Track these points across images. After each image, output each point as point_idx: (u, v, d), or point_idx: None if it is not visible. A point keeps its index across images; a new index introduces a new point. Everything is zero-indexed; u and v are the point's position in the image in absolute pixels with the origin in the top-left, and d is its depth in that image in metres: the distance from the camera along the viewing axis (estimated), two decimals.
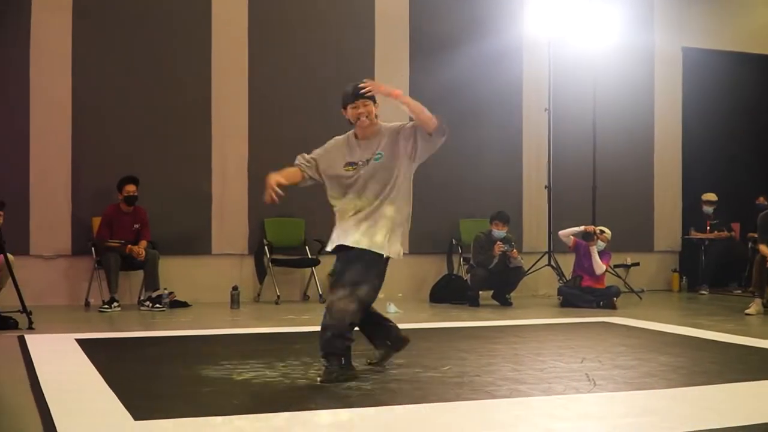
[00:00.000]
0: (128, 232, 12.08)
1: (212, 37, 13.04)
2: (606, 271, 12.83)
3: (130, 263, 12.02)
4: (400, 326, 9.19)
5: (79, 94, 12.45)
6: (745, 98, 16.34)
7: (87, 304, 12.13)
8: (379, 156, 6.83)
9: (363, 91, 6.80)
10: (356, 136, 7.03)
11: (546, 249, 14.12)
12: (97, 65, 12.55)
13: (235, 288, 12.26)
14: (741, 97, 16.27)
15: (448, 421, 5.51)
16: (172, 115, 12.83)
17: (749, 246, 14.40)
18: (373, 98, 6.87)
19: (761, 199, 14.86)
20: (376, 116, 6.92)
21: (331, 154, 7.06)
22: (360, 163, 6.87)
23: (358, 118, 6.87)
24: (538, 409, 5.83)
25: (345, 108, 6.98)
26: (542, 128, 14.29)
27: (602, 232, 12.83)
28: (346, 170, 6.90)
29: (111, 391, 6.16)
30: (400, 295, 13.48)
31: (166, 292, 12.01)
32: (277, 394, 6.21)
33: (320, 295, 13.00)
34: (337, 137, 7.18)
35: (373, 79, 13.45)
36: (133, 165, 12.33)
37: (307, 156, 7.05)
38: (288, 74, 13.38)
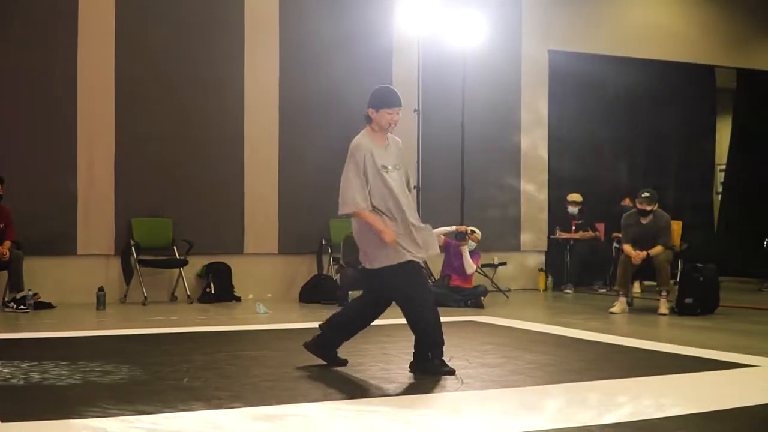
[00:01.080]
0: None
1: (78, 33, 12.80)
2: (475, 270, 12.94)
3: None
4: (269, 327, 9.17)
5: None
6: (609, 100, 16.69)
7: None
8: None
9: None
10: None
11: None
12: None
13: (101, 289, 12.07)
14: (606, 99, 16.62)
15: (316, 421, 5.50)
16: (36, 113, 12.58)
17: (614, 246, 14.68)
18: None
19: (627, 201, 15.14)
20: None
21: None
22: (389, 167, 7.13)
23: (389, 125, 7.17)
24: (407, 408, 5.85)
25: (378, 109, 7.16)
26: (411, 129, 14.32)
27: (473, 232, 12.92)
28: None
29: None
30: (269, 295, 13.47)
31: (31, 293, 11.76)
32: (144, 395, 6.12)
33: (188, 296, 12.88)
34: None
35: (243, 79, 13.52)
36: None
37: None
38: (155, 72, 13.22)
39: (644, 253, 11.73)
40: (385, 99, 7.15)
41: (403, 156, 7.23)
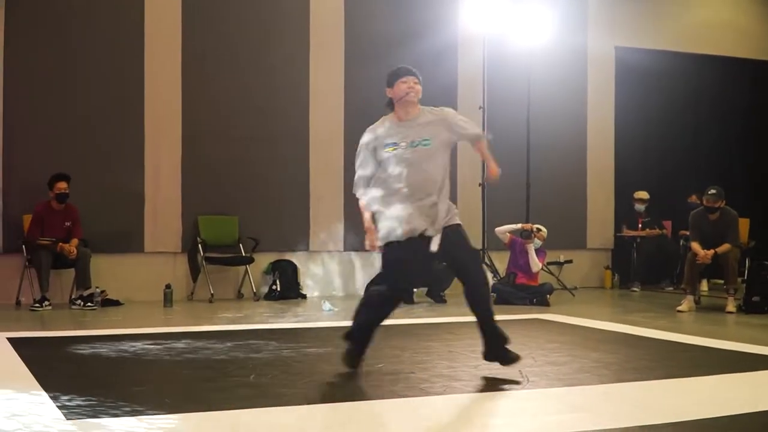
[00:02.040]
0: (59, 230, 11.94)
1: (145, 34, 12.90)
2: (541, 268, 12.89)
3: (61, 261, 11.87)
4: (335, 324, 9.19)
5: (10, 90, 12.24)
6: (676, 97, 16.50)
7: (18, 302, 11.96)
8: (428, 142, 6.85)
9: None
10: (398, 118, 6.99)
11: (480, 246, 14.16)
12: (28, 61, 12.37)
13: (168, 286, 12.16)
14: (673, 96, 16.43)
15: (382, 418, 5.52)
16: (103, 111, 12.67)
17: (681, 244, 14.55)
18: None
19: (693, 198, 14.95)
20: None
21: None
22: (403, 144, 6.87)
23: (407, 93, 6.82)
24: (472, 406, 5.85)
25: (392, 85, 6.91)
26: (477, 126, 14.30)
27: (539, 230, 12.87)
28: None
29: (43, 390, 6.09)
30: (334, 292, 13.49)
31: (98, 290, 11.88)
32: (210, 392, 6.17)
33: (254, 293, 12.95)
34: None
35: (308, 78, 13.56)
36: (64, 162, 12.17)
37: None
38: (222, 72, 13.29)
39: (712, 251, 11.61)
40: (397, 72, 6.94)
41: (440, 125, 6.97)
